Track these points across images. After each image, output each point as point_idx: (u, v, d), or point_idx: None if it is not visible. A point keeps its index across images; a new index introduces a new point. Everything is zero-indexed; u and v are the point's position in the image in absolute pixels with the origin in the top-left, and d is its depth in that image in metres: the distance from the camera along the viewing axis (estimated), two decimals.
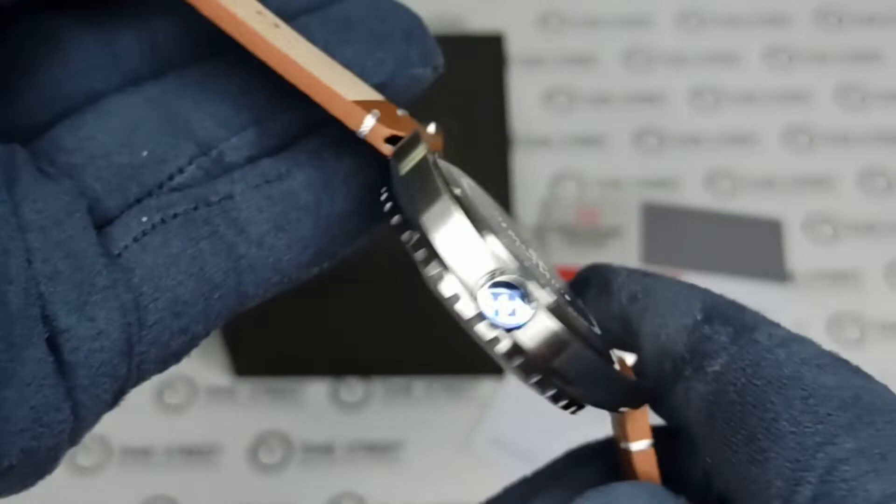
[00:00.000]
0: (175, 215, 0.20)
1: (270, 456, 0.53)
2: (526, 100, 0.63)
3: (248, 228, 0.20)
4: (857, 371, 0.19)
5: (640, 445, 0.20)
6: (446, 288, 0.19)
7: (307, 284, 0.22)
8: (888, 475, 0.17)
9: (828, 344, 0.19)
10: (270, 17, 0.21)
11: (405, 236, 0.19)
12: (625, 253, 0.56)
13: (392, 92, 0.21)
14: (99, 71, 0.21)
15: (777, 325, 0.20)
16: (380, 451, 0.53)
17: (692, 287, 0.21)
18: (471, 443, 0.52)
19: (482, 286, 0.18)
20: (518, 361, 0.19)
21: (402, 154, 0.20)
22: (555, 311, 0.19)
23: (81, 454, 0.52)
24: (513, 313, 0.19)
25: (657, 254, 0.57)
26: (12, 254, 0.18)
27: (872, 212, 0.59)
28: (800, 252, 0.58)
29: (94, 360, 0.18)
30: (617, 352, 0.21)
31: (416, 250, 0.19)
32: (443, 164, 0.20)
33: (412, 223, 0.19)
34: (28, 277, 0.18)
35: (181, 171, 0.20)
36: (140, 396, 0.52)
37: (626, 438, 0.20)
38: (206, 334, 0.20)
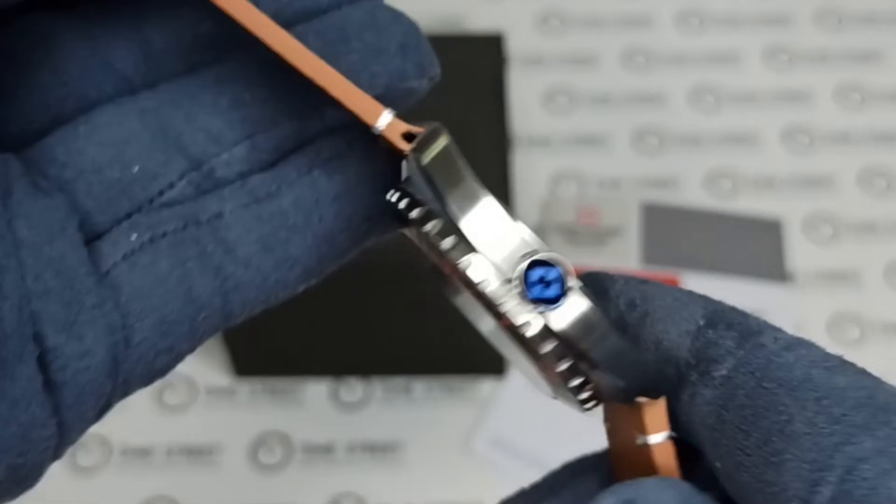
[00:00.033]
0: (164, 234, 0.20)
1: (270, 456, 0.53)
2: (526, 100, 0.63)
3: (236, 248, 0.20)
4: (864, 373, 0.19)
5: (658, 438, 0.20)
6: (476, 273, 0.19)
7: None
8: None
9: (828, 344, 0.19)
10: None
11: (428, 227, 0.19)
12: (625, 253, 0.56)
13: (386, 103, 0.21)
14: (91, 78, 0.21)
15: (780, 330, 0.20)
16: (380, 451, 0.53)
17: (691, 293, 0.20)
18: (470, 443, 0.52)
19: (518, 266, 0.19)
20: (550, 346, 0.19)
21: (423, 145, 0.20)
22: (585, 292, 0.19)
23: (81, 454, 0.52)
24: (547, 292, 0.19)
25: (657, 254, 0.56)
26: (7, 270, 0.18)
27: (872, 212, 0.59)
28: (800, 252, 0.58)
29: (81, 378, 0.18)
30: None
31: (442, 238, 0.19)
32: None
33: (436, 212, 0.19)
34: (21, 295, 0.18)
35: (171, 186, 0.20)
36: (140, 396, 0.52)
37: (643, 431, 0.20)
38: (192, 351, 0.20)
